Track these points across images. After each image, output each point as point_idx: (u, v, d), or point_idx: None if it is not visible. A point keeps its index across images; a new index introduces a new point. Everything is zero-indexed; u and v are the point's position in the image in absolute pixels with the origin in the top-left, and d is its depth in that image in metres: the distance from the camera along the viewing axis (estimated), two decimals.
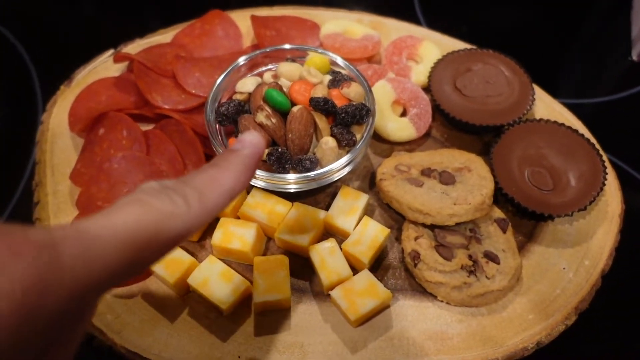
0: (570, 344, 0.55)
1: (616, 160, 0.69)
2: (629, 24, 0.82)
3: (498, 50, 0.68)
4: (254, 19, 0.71)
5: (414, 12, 0.85)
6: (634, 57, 0.79)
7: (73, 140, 0.65)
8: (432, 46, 0.70)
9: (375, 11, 0.76)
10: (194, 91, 0.64)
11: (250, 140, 0.39)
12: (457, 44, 0.73)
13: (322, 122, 0.55)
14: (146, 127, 0.64)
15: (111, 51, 0.72)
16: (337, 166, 0.54)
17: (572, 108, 0.68)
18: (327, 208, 0.58)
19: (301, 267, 0.57)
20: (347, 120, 0.55)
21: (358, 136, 0.56)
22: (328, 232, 0.59)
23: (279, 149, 0.53)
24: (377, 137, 0.65)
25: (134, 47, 0.72)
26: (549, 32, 0.84)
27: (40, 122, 0.67)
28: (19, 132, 0.71)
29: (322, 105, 0.54)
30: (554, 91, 0.70)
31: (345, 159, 0.54)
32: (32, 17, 0.84)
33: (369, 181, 0.62)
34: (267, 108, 0.55)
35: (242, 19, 0.73)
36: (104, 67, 0.70)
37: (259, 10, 0.75)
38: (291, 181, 0.54)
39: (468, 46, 0.71)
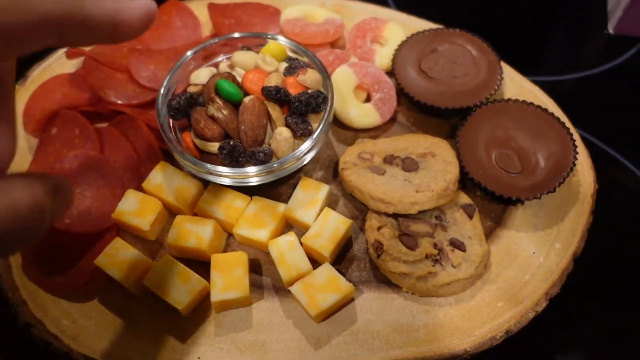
0: (541, 331, 0.53)
1: (594, 139, 0.66)
2: None
3: (470, 30, 0.66)
4: (211, 7, 0.68)
5: None
6: (611, 30, 0.76)
7: (28, 141, 0.63)
8: (397, 28, 0.67)
9: None
10: (148, 85, 0.61)
11: None
12: (425, 25, 0.70)
13: (275, 112, 0.53)
14: (102, 124, 0.62)
15: (66, 48, 0.70)
16: (293, 157, 0.52)
17: (549, 85, 0.66)
18: (289, 200, 0.56)
19: (262, 262, 0.55)
20: (302, 109, 0.52)
21: (315, 125, 0.54)
22: (289, 225, 0.57)
23: (231, 142, 0.51)
24: (341, 124, 0.62)
25: None
26: (524, 8, 0.81)
27: None
28: None
29: (275, 95, 0.52)
30: (531, 69, 0.68)
31: (301, 150, 0.52)
32: None
33: (332, 170, 0.60)
34: (218, 100, 0.52)
35: (201, 7, 0.71)
36: (59, 63, 0.68)
37: None
38: (251, 174, 0.52)
39: (435, 26, 0.69)
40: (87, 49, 0.64)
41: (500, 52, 0.64)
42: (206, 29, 0.70)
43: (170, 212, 0.57)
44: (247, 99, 0.52)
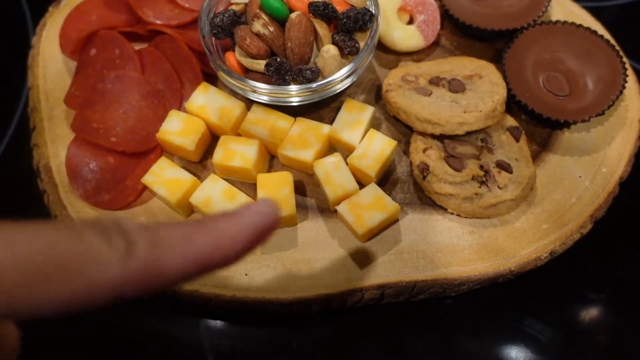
0: (586, 253, 0.53)
1: (638, 66, 0.65)
2: None
3: None
4: None
5: None
6: None
7: (66, 63, 0.62)
8: None
9: None
10: (186, 5, 0.60)
11: (260, 210, 0.29)
12: None
13: (322, 29, 0.51)
14: (141, 45, 0.61)
15: None
16: (340, 76, 0.51)
17: (593, 11, 0.64)
18: (331, 123, 0.56)
19: (306, 184, 0.55)
20: (350, 26, 0.51)
21: (362, 44, 0.53)
22: (333, 147, 0.56)
23: (278, 59, 0.50)
24: (383, 48, 0.61)
25: None
26: None
27: (30, 47, 0.64)
28: (11, 57, 0.69)
29: (322, 11, 0.51)
30: None
31: (348, 68, 0.51)
32: None
33: (374, 94, 0.59)
34: (263, 16, 0.51)
35: None
36: None
37: None
38: (293, 93, 0.51)
39: None
40: None
41: None
42: None
43: (213, 134, 0.57)
44: (293, 15, 0.51)
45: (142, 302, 0.50)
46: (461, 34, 0.62)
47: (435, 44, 0.62)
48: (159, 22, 0.59)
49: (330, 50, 0.51)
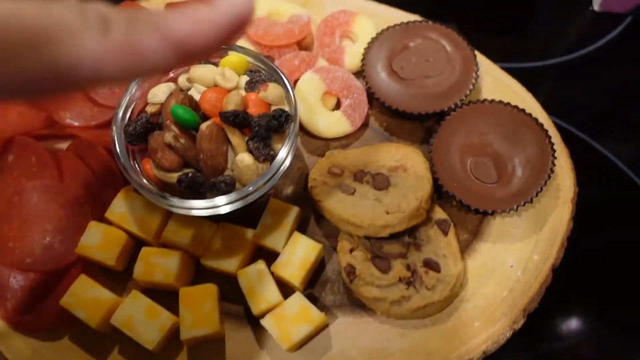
0: (519, 346, 0.52)
1: (577, 131, 0.64)
2: None
3: (447, 10, 0.62)
4: (167, 8, 0.64)
5: None
6: (595, 7, 0.72)
7: None
8: (367, 21, 0.63)
9: None
10: (105, 102, 0.58)
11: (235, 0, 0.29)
12: (397, 15, 0.66)
13: (235, 137, 0.50)
14: (65, 143, 0.59)
15: None
16: (257, 184, 0.49)
17: (531, 72, 0.63)
18: (259, 219, 0.54)
19: (234, 288, 0.53)
20: (262, 134, 0.50)
21: (279, 146, 0.51)
22: (260, 251, 0.55)
23: (190, 174, 0.49)
24: (310, 134, 0.59)
25: None
26: None
27: None
28: None
29: (233, 120, 0.49)
30: (510, 56, 0.64)
31: (265, 176, 0.49)
32: None
33: (303, 183, 0.58)
34: (173, 127, 0.49)
35: (158, 7, 0.67)
36: None
37: None
38: (218, 204, 0.49)
39: (408, 17, 0.65)
40: None
41: (476, 36, 0.60)
42: None
43: (136, 241, 0.55)
44: (204, 126, 0.49)
45: None
46: (390, 114, 0.61)
47: (364, 125, 0.60)
48: (76, 124, 0.57)
49: (244, 160, 0.49)
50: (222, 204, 0.49)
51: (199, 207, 0.49)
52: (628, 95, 0.66)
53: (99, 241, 0.52)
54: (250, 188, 0.49)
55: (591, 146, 0.63)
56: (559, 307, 0.54)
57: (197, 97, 0.53)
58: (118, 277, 0.54)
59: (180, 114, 0.49)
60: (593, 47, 0.70)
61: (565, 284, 0.54)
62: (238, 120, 0.49)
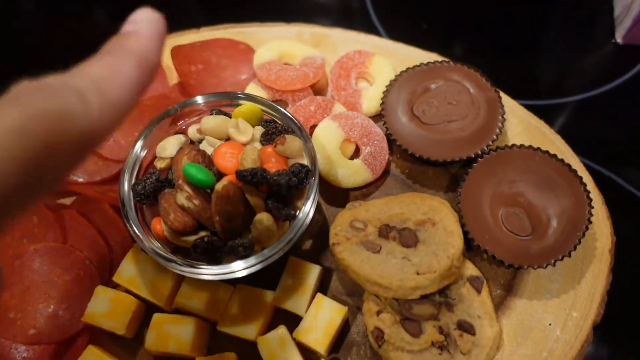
0: None
1: (607, 172, 0.60)
2: (610, 2, 0.72)
3: (464, 47, 0.59)
4: (175, 52, 0.61)
5: (366, 9, 0.74)
6: (619, 40, 0.69)
7: None
8: (384, 62, 0.60)
9: (322, 15, 0.66)
10: (111, 156, 0.55)
11: (146, 18, 0.32)
12: (414, 53, 0.63)
13: (253, 197, 0.46)
14: (69, 198, 0.56)
15: None
16: (277, 247, 0.46)
17: (551, 109, 0.60)
18: (279, 278, 0.50)
19: (255, 356, 0.50)
20: (282, 193, 0.46)
21: (299, 203, 0.48)
22: (280, 313, 0.51)
23: (205, 239, 0.45)
24: (329, 183, 0.56)
25: None
26: (519, 19, 0.74)
27: None
28: None
29: (251, 180, 0.45)
30: (529, 91, 0.61)
31: (286, 238, 0.46)
32: None
33: (323, 237, 0.54)
34: (187, 188, 0.46)
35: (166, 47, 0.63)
36: None
37: (183, 35, 0.65)
38: (234, 270, 0.46)
39: (426, 56, 0.62)
40: None
41: (497, 72, 0.58)
42: (173, 74, 0.63)
43: (147, 305, 0.51)
44: (219, 186, 0.46)
45: None
46: (412, 160, 0.58)
47: (385, 172, 0.57)
48: (81, 180, 0.54)
49: (263, 221, 0.46)
50: (239, 269, 0.46)
51: (215, 273, 0.46)
52: None
53: (107, 308, 0.49)
54: (271, 252, 0.46)
55: (623, 187, 0.60)
56: None
57: (209, 150, 0.50)
58: (129, 345, 0.51)
59: (194, 173, 0.46)
60: (617, 82, 0.67)
61: (608, 343, 0.50)
62: (256, 179, 0.46)
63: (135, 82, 0.29)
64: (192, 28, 0.66)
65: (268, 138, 0.50)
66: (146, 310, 0.51)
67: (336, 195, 0.57)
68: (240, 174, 0.46)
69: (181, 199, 0.46)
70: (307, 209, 0.47)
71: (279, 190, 0.46)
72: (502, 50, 0.68)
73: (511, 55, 0.70)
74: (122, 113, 0.29)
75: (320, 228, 0.55)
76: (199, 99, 0.52)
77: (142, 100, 0.60)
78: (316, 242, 0.54)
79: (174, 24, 0.66)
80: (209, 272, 0.46)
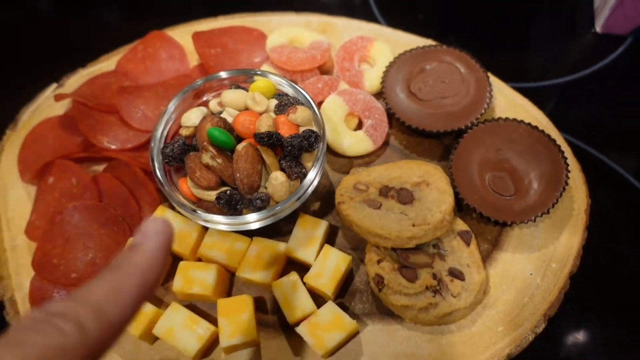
0: (542, 351, 0.55)
1: (586, 146, 0.67)
2: None
3: (457, 34, 0.65)
4: (196, 37, 0.68)
5: (368, 1, 0.81)
6: (598, 29, 0.76)
7: (25, 188, 0.63)
8: (384, 47, 0.67)
9: (327, 7, 0.73)
10: (140, 127, 0.61)
11: (154, 230, 0.34)
12: (411, 39, 0.70)
13: (269, 157, 0.53)
14: (96, 166, 0.62)
15: (54, 86, 0.69)
16: (290, 201, 0.53)
17: (538, 91, 0.66)
18: (289, 234, 0.57)
19: (268, 299, 0.56)
20: (294, 153, 0.53)
21: (310, 164, 0.55)
22: (291, 263, 0.58)
23: (228, 191, 0.52)
24: (335, 153, 0.63)
25: (77, 79, 0.69)
26: (509, 14, 0.81)
27: None
28: None
29: (267, 141, 0.52)
30: (517, 75, 0.68)
31: (297, 193, 0.53)
32: None
33: (329, 200, 0.61)
34: (211, 148, 0.53)
35: (185, 34, 0.70)
36: (48, 105, 0.68)
37: (202, 23, 0.72)
38: (251, 221, 0.53)
39: (422, 42, 0.69)
40: (78, 87, 0.64)
41: (488, 58, 0.64)
42: (193, 57, 0.70)
43: (173, 256, 0.58)
44: (240, 147, 0.52)
45: None
46: (409, 133, 0.64)
47: (385, 144, 0.64)
48: (113, 147, 0.60)
49: (278, 178, 0.52)
50: (256, 220, 0.52)
51: (235, 222, 0.52)
52: (631, 111, 0.70)
53: None
54: (284, 205, 0.52)
55: (599, 159, 0.67)
56: (577, 313, 0.57)
57: (229, 119, 0.57)
58: (158, 291, 0.57)
59: (217, 135, 0.52)
60: (596, 67, 0.73)
61: (583, 291, 0.57)
62: (272, 141, 0.52)
63: (136, 300, 0.31)
64: (210, 17, 0.73)
65: (281, 109, 0.57)
66: (172, 263, 0.58)
67: (341, 164, 0.63)
68: (258, 136, 0.52)
69: (206, 158, 0.53)
70: (315, 169, 0.54)
71: (292, 151, 0.53)
72: (492, 39, 0.75)
73: (501, 44, 0.76)
74: (120, 330, 0.30)
75: (326, 192, 0.61)
76: (222, 74, 0.59)
77: (167, 79, 0.67)
78: (323, 204, 0.61)
79: (194, 13, 0.73)
80: (229, 222, 0.52)
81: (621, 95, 0.72)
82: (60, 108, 0.67)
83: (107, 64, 0.71)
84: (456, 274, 0.54)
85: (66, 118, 0.65)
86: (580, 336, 0.56)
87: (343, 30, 0.71)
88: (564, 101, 0.71)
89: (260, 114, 0.56)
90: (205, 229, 0.57)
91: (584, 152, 0.67)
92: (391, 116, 0.63)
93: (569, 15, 0.79)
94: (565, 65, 0.74)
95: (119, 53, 0.71)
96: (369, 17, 0.78)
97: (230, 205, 0.52)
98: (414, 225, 0.54)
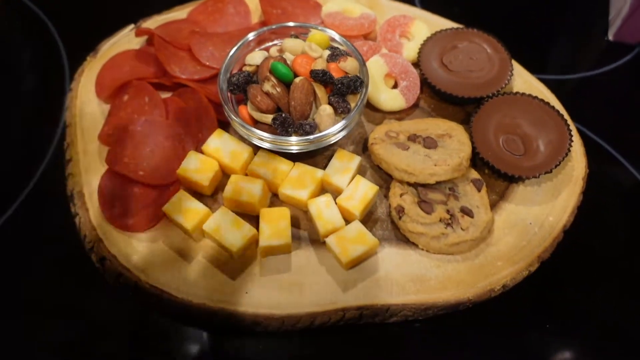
0: (533, 289, 0.63)
1: (588, 132, 0.76)
2: (607, 7, 0.89)
3: (486, 30, 0.75)
4: None
5: None
6: (610, 37, 0.86)
7: (99, 106, 0.73)
8: (422, 25, 0.77)
9: None
10: (207, 63, 0.71)
11: None
12: (446, 24, 0.80)
13: (320, 91, 0.62)
14: (164, 95, 0.72)
15: (131, 26, 0.79)
16: (334, 130, 0.62)
17: (553, 83, 0.76)
18: (324, 168, 0.66)
19: (301, 219, 0.65)
20: (343, 90, 0.62)
21: (352, 105, 0.64)
22: (325, 189, 0.67)
23: (283, 115, 0.61)
24: (371, 107, 0.72)
25: (151, 23, 0.79)
26: (534, 14, 0.91)
27: (69, 90, 0.75)
28: (48, 100, 0.79)
29: (321, 77, 0.62)
30: (536, 68, 0.77)
31: (340, 124, 0.62)
32: None
33: (362, 146, 0.70)
34: (272, 78, 0.62)
35: None
36: (126, 40, 0.78)
37: None
38: (293, 143, 0.62)
39: (455, 25, 0.79)
40: (154, 28, 0.74)
41: (510, 51, 0.74)
42: (254, 16, 0.80)
43: (223, 174, 0.67)
44: (297, 80, 0.62)
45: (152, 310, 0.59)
46: (437, 99, 0.74)
47: (415, 106, 0.73)
48: (183, 76, 0.70)
49: (326, 110, 0.62)
50: (303, 142, 0.61)
51: (284, 142, 0.61)
52: (633, 113, 0.79)
53: (196, 166, 0.64)
54: (328, 132, 0.62)
55: (597, 143, 0.76)
56: (567, 263, 0.65)
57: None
58: (206, 202, 0.66)
59: (280, 68, 0.62)
60: (605, 70, 0.83)
61: (573, 245, 0.65)
62: (325, 78, 0.62)
63: None
64: None
65: (333, 58, 0.66)
66: (222, 177, 0.67)
67: (375, 117, 0.72)
68: (314, 72, 0.62)
69: (267, 86, 0.62)
70: (357, 109, 0.63)
71: (341, 88, 0.62)
72: (515, 35, 0.84)
73: (522, 41, 0.86)
74: None
75: (360, 138, 0.71)
76: (291, 24, 0.69)
77: (232, 30, 0.77)
78: (356, 148, 0.70)
79: None
80: (280, 140, 0.61)
81: (624, 97, 0.81)
82: (136, 44, 0.77)
83: (179, 13, 0.81)
84: (467, 211, 0.63)
85: (141, 52, 0.74)
86: (567, 279, 0.65)
87: (387, 9, 0.82)
88: (571, 94, 0.80)
89: (315, 59, 0.66)
90: (255, 151, 0.66)
91: (585, 136, 0.76)
92: (422, 82, 0.73)
93: (587, 22, 0.89)
94: (577, 64, 0.84)
95: (190, 6, 0.81)
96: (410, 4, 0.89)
97: (283, 127, 0.61)
98: (435, 165, 0.63)
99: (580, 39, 0.88)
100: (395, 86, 0.73)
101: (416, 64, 0.74)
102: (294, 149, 0.63)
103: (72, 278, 0.64)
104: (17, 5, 0.88)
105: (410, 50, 0.75)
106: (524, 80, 0.76)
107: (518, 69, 0.76)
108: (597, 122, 0.78)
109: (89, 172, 0.67)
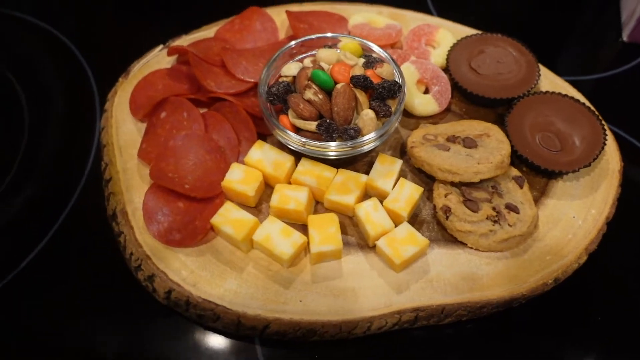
0: (582, 281, 0.64)
1: (612, 126, 0.78)
2: (620, 10, 0.92)
3: (503, 35, 0.77)
4: (289, 13, 0.79)
5: (426, 5, 0.94)
6: (625, 38, 0.88)
7: (135, 124, 0.73)
8: (447, 33, 0.79)
9: (392, 4, 0.86)
10: (242, 77, 0.72)
11: None
12: (468, 31, 0.82)
13: (362, 96, 0.63)
14: (204, 109, 0.72)
15: (160, 47, 0.80)
16: (377, 134, 0.63)
17: (571, 84, 0.77)
18: (366, 174, 0.66)
19: (347, 225, 0.65)
20: (384, 94, 0.63)
21: (392, 109, 0.65)
22: (368, 194, 0.67)
23: (327, 121, 0.62)
24: (405, 113, 0.73)
25: (180, 42, 0.80)
26: (549, 19, 0.94)
27: (103, 111, 0.75)
28: (80, 123, 0.79)
29: (362, 82, 0.63)
30: (555, 69, 0.79)
31: (383, 128, 0.63)
32: (84, 22, 0.92)
33: (399, 150, 0.71)
34: (314, 86, 0.63)
35: (276, 14, 0.82)
36: (156, 60, 0.78)
37: (291, 6, 0.84)
38: (332, 148, 0.62)
39: (479, 32, 0.80)
40: (186, 45, 0.75)
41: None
42: (281, 32, 0.81)
43: (266, 184, 0.67)
44: (339, 86, 0.63)
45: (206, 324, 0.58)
46: (468, 102, 0.75)
47: (447, 110, 0.74)
48: (220, 90, 0.71)
49: (369, 114, 0.63)
50: (346, 148, 0.62)
51: (329, 148, 0.62)
52: None
53: (240, 177, 0.64)
54: (373, 135, 0.62)
55: (623, 136, 0.77)
56: (613, 252, 0.66)
57: None
58: (251, 211, 0.66)
59: (321, 75, 0.63)
60: (619, 70, 0.85)
61: (618, 236, 0.66)
62: (366, 83, 0.63)
63: None
64: (296, 2, 0.85)
65: (369, 65, 0.68)
66: (265, 189, 0.67)
67: (409, 122, 0.73)
68: (355, 78, 0.63)
69: (309, 94, 0.63)
70: (397, 112, 0.64)
71: (382, 92, 0.63)
72: (532, 37, 0.87)
73: (539, 42, 0.88)
74: None
75: (396, 143, 0.71)
76: (327, 34, 0.70)
77: (261, 45, 0.78)
78: (394, 153, 0.71)
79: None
80: (324, 146, 0.62)
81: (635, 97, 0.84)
82: (167, 64, 0.78)
83: (206, 32, 0.82)
84: (512, 208, 0.63)
85: (173, 70, 0.75)
86: (615, 269, 0.65)
87: (410, 20, 0.83)
88: (587, 95, 0.82)
89: (352, 66, 0.67)
90: (296, 160, 0.67)
91: (612, 131, 0.77)
92: (453, 87, 0.74)
93: (601, 24, 0.91)
94: (592, 66, 0.86)
95: (217, 25, 0.82)
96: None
97: (328, 133, 0.62)
98: (479, 164, 0.63)
99: (595, 41, 0.90)
100: (426, 91, 0.74)
101: (445, 70, 0.75)
102: (332, 154, 0.64)
103: (117, 295, 0.64)
104: (45, 34, 0.89)
105: (437, 57, 0.77)
106: (549, 81, 0.78)
107: (543, 71, 0.78)
108: (617, 117, 0.79)
109: (130, 190, 0.67)
